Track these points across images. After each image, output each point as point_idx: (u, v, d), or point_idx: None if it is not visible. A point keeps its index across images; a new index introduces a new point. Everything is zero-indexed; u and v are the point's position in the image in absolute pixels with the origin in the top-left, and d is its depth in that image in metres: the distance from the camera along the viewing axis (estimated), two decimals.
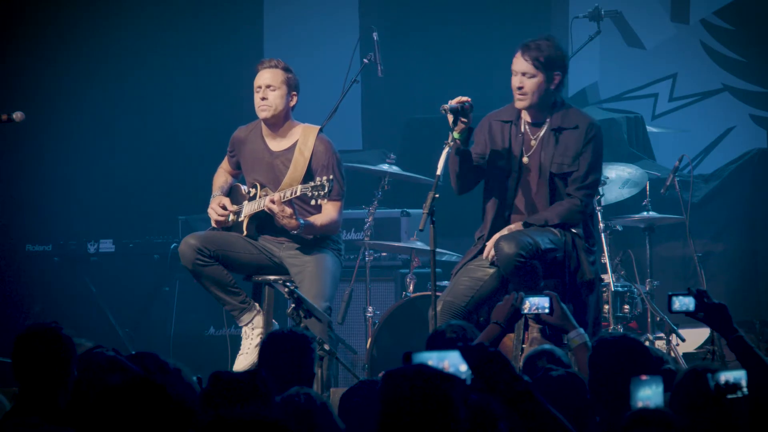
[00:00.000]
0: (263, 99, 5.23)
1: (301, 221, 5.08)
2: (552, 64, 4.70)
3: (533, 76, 4.69)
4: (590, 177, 4.75)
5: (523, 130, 4.78)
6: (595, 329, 4.76)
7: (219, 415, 1.93)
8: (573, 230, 4.73)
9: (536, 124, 4.78)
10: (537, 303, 3.88)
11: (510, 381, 2.44)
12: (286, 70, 5.27)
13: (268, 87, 5.23)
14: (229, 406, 2.51)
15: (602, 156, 4.84)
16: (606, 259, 5.97)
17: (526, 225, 4.68)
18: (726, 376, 2.54)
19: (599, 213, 5.99)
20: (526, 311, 3.88)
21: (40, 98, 7.46)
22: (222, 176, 5.49)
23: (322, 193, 4.93)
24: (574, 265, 4.70)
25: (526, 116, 4.80)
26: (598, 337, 3.34)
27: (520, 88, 4.70)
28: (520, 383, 2.45)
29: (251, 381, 2.56)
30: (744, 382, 2.51)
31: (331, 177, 4.97)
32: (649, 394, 2.47)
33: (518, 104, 4.71)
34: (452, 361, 2.27)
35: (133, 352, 3.19)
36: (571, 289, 4.69)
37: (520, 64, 4.71)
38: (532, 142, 4.75)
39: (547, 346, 3.59)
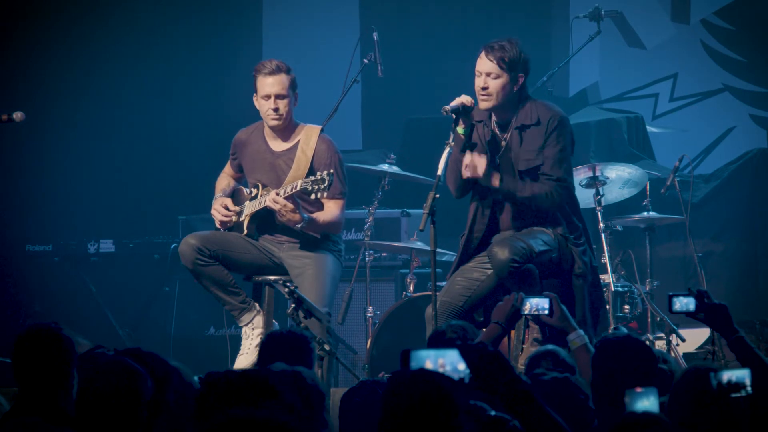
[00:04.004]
0: (275, 110, 5.20)
1: (305, 216, 5.08)
2: (516, 65, 4.69)
3: (498, 77, 4.68)
4: (557, 169, 4.67)
5: (493, 131, 4.78)
6: (595, 320, 4.73)
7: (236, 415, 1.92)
8: (558, 230, 4.71)
9: (504, 125, 4.78)
10: (537, 304, 3.89)
11: (510, 382, 2.43)
12: (288, 72, 5.27)
13: (278, 96, 5.20)
14: (227, 407, 2.50)
15: (568, 145, 4.75)
16: (606, 259, 5.97)
17: (502, 186, 4.63)
18: (729, 375, 2.54)
19: (599, 213, 5.99)
20: (526, 312, 3.89)
21: (40, 98, 7.46)
22: (224, 180, 5.50)
23: (323, 186, 4.93)
24: (569, 262, 4.70)
25: (495, 117, 4.80)
26: (602, 338, 3.34)
27: (484, 88, 4.68)
28: (520, 384, 2.44)
29: (254, 380, 2.55)
30: (748, 381, 2.51)
31: (331, 171, 4.97)
32: (647, 405, 2.47)
33: (482, 105, 4.69)
34: (450, 360, 2.26)
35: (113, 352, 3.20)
36: (569, 284, 4.69)
37: (485, 64, 4.70)
38: (502, 143, 4.75)
39: (551, 346, 3.59)
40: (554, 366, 3.33)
